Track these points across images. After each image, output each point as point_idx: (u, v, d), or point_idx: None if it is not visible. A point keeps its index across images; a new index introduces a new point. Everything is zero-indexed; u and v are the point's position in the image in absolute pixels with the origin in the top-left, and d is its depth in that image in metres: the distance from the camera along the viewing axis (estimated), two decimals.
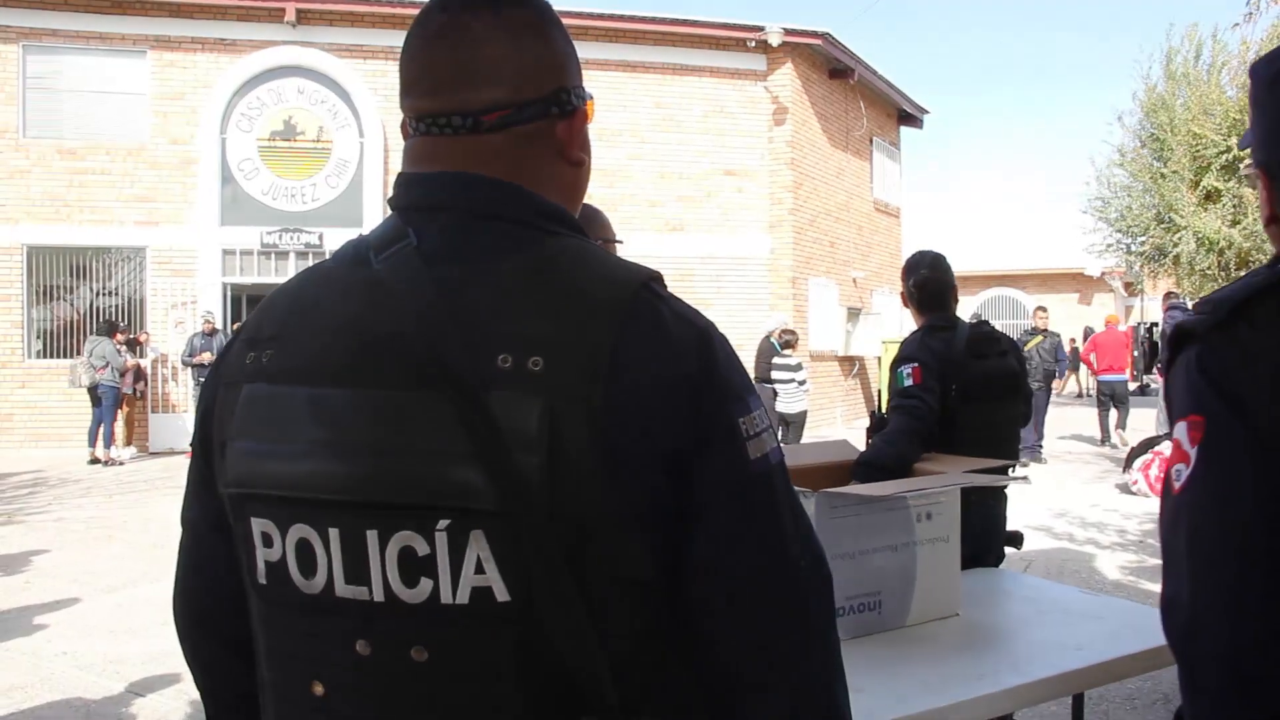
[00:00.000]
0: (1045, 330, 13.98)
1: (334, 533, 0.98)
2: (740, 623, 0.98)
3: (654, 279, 1.04)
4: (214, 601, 1.15)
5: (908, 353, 3.58)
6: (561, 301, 0.98)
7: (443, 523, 0.94)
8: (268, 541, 1.02)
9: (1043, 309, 14.53)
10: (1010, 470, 3.36)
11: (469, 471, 0.93)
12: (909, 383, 3.45)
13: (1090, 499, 10.22)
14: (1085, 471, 12.46)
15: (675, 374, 0.97)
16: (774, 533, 1.00)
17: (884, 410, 3.62)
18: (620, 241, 3.28)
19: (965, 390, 3.49)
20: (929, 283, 3.78)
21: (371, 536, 0.96)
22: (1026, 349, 12.56)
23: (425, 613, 0.95)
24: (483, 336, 0.96)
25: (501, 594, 0.94)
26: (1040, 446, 13.18)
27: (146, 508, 10.19)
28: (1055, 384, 16.36)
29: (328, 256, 1.15)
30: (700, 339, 1.01)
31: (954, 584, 2.77)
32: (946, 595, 2.75)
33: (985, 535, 3.39)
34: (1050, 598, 2.98)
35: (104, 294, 15.91)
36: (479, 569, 0.94)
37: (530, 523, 0.92)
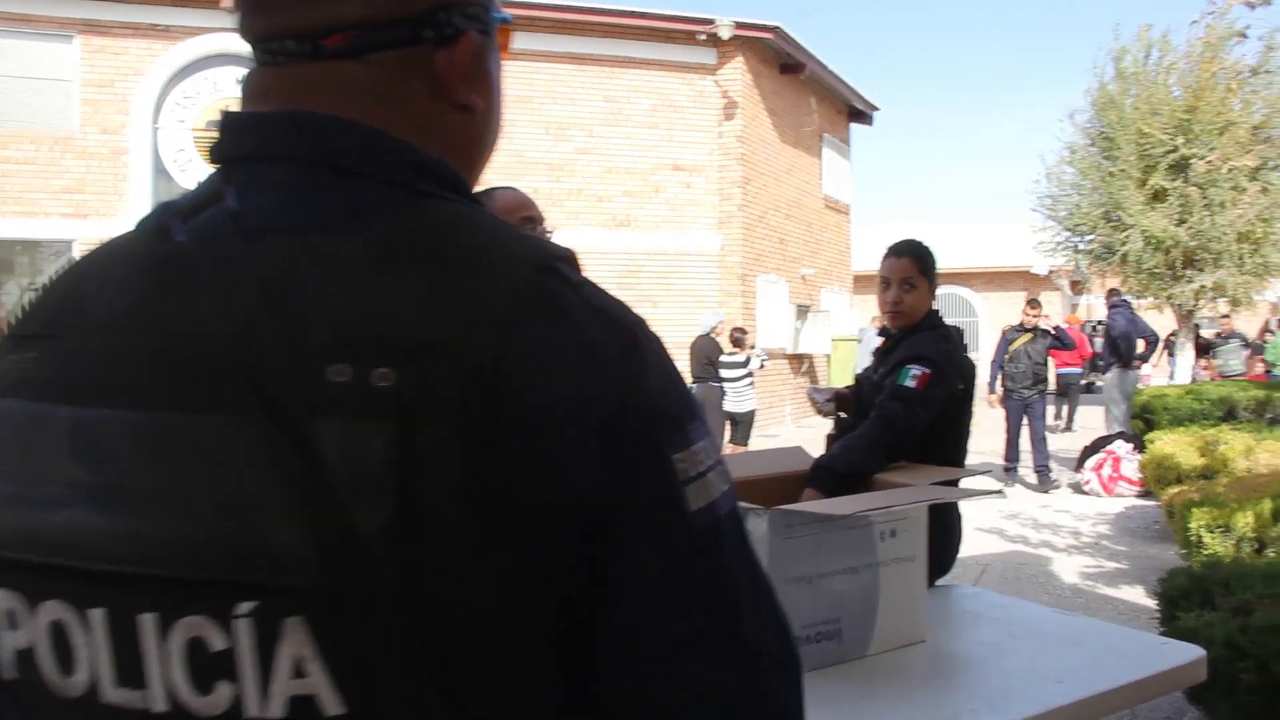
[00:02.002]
0: (1036, 329, 11.41)
1: (97, 614, 0.67)
2: None
3: (562, 259, 0.75)
4: None
5: (924, 352, 3.10)
6: (430, 290, 0.69)
7: (245, 605, 0.64)
8: (13, 622, 0.71)
9: (1035, 303, 11.80)
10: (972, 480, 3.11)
11: (284, 533, 0.64)
12: (911, 384, 3.01)
13: (1042, 500, 10.10)
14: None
15: (587, 392, 0.69)
16: (725, 612, 0.72)
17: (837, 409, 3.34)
18: (550, 230, 3.00)
19: (968, 389, 3.24)
20: None
21: (148, 622, 0.66)
22: (1012, 349, 11.23)
23: None
24: (313, 339, 0.67)
25: (332, 705, 0.64)
26: (1049, 469, 11.03)
27: None
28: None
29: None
30: (625, 343, 0.72)
31: (920, 607, 2.52)
32: (912, 620, 2.49)
33: (940, 548, 3.12)
34: (1021, 620, 2.73)
35: (29, 290, 15.31)
36: (298, 670, 0.64)
37: (372, 605, 0.64)
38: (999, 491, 2.60)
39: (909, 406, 2.96)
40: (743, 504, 2.41)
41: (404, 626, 0.64)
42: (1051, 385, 12.85)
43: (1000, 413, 11.51)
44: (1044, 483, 10.80)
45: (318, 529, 0.64)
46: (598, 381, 0.69)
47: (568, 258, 0.76)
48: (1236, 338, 15.99)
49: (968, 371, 3.23)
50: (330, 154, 0.77)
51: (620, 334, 0.73)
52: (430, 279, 0.69)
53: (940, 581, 3.23)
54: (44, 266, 15.23)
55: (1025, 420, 11.11)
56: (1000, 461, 11.24)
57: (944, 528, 3.08)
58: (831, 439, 3.24)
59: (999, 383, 11.39)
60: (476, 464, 0.65)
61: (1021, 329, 11.34)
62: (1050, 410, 14.45)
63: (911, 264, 3.29)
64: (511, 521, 0.66)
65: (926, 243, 3.40)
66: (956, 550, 3.26)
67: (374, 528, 0.63)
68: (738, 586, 0.73)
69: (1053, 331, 11.57)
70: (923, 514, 2.46)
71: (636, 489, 0.70)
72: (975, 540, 7.65)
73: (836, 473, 2.78)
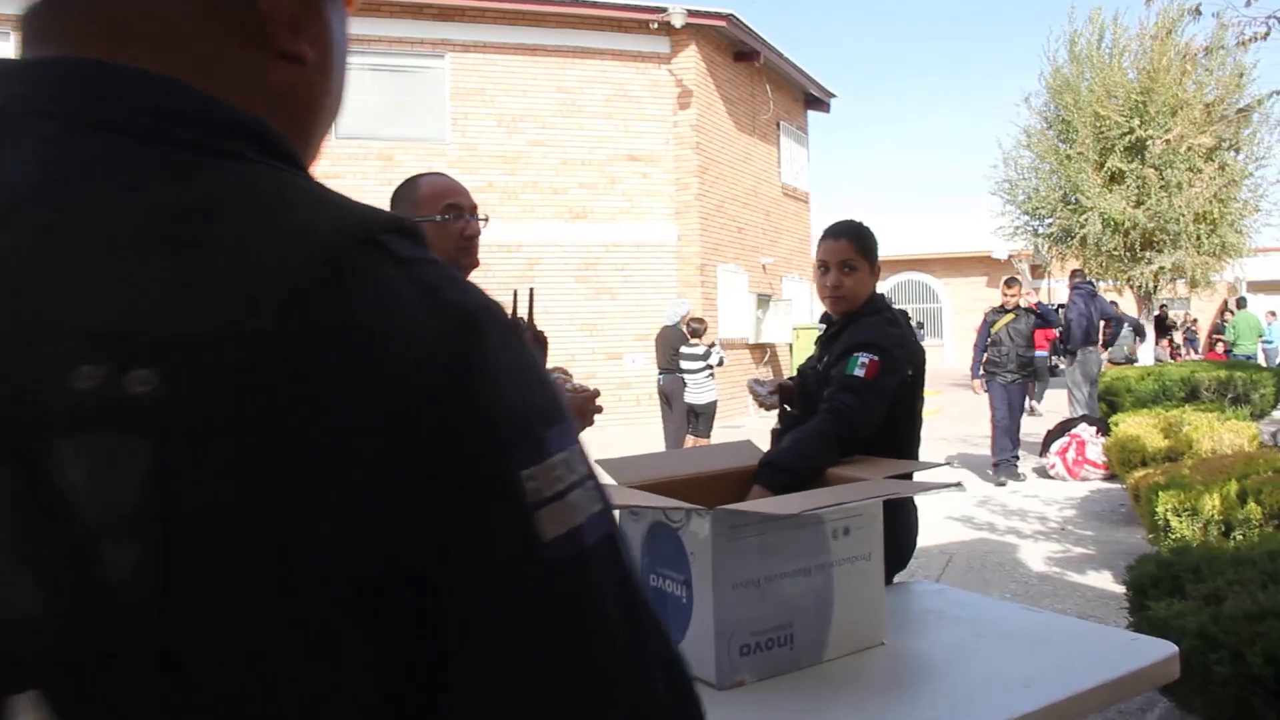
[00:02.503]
0: (1018, 308, 10.56)
1: None
2: None
3: (394, 231, 0.57)
4: None
5: (871, 338, 2.89)
6: (207, 271, 0.52)
7: None
8: None
9: (1012, 281, 10.88)
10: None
11: (10, 586, 0.48)
12: (860, 373, 2.80)
13: (1008, 485, 10.00)
14: None
15: (402, 392, 0.52)
16: (595, 665, 0.55)
17: (794, 402, 3.15)
18: (483, 219, 2.82)
19: (918, 375, 3.01)
20: None
21: None
22: (994, 330, 10.42)
23: None
24: (57, 338, 0.50)
25: None
26: (1016, 458, 10.40)
27: None
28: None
29: None
30: (457, 331, 0.55)
31: (878, 608, 2.35)
32: (869, 622, 2.33)
33: (897, 542, 2.94)
34: (986, 619, 2.57)
35: None
36: None
37: (124, 670, 0.48)
38: (958, 484, 2.39)
39: (860, 397, 2.76)
40: (684, 504, 2.25)
41: (169, 695, 0.48)
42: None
43: (981, 400, 10.85)
44: (1005, 473, 10.24)
45: (54, 576, 0.48)
46: (417, 378, 0.53)
47: (405, 230, 0.58)
48: (1127, 321, 15.72)
49: (917, 357, 3.03)
50: (109, 109, 0.59)
51: (453, 319, 0.55)
52: (209, 258, 0.52)
53: (899, 577, 3.07)
54: None
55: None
56: (973, 451, 11.05)
57: (900, 521, 2.92)
58: (777, 434, 3.04)
59: (982, 368, 10.63)
60: (254, 486, 0.48)
61: (1002, 310, 10.65)
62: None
63: (850, 245, 3.10)
64: (310, 557, 0.49)
65: (867, 224, 3.22)
66: (914, 544, 3.09)
67: (124, 571, 0.47)
68: (609, 633, 0.56)
69: (1035, 309, 10.79)
70: (878, 509, 2.30)
71: (472, 514, 0.53)
72: (940, 529, 7.53)
73: (786, 469, 2.61)
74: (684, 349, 11.19)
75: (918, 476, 2.75)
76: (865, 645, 2.31)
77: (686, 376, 11.17)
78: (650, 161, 17.32)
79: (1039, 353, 14.42)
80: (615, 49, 17.13)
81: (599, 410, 2.81)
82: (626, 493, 2.29)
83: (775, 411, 3.29)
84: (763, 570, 2.16)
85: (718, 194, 18.21)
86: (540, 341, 2.71)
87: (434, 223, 2.57)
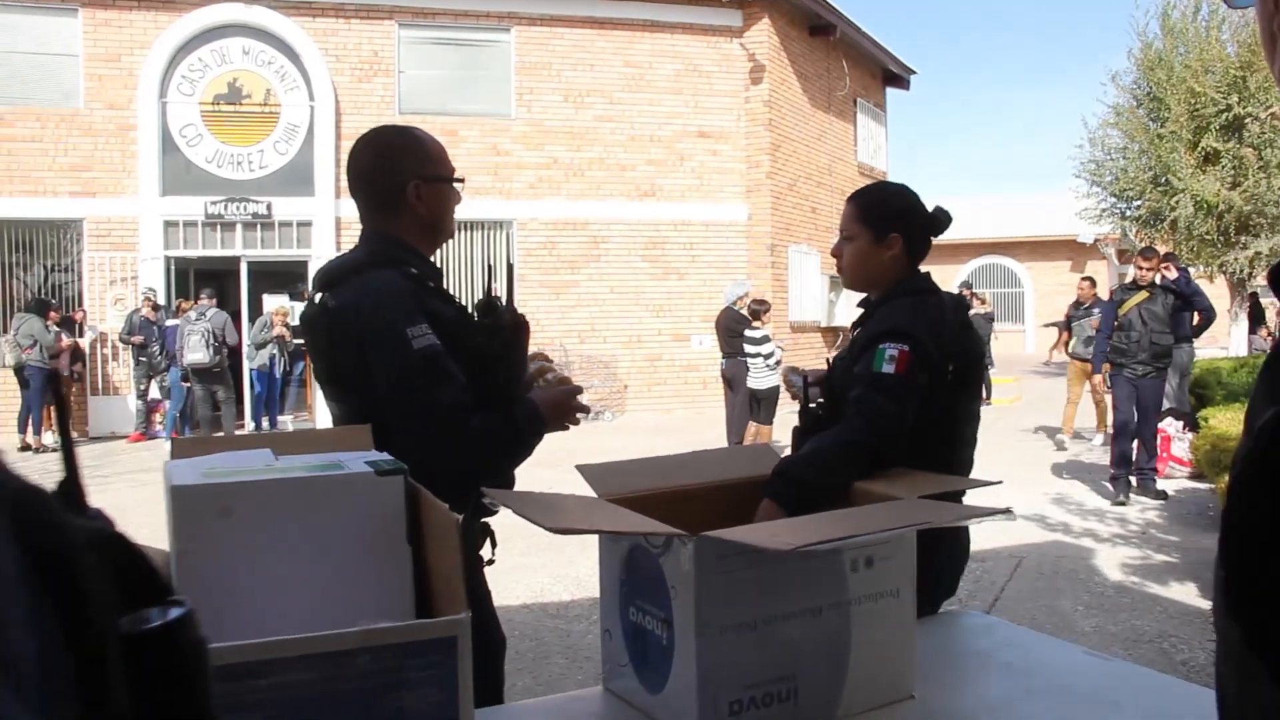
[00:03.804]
0: (1153, 284, 8.75)
1: None
2: None
3: None
4: None
5: (900, 324, 2.43)
6: None
7: None
8: None
9: (1149, 252, 9.12)
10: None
11: None
12: (888, 368, 2.35)
13: (1090, 480, 9.37)
14: (1084, 449, 11.49)
15: None
16: None
17: (817, 396, 2.69)
18: (460, 180, 2.45)
19: (958, 371, 2.48)
20: (942, 228, 2.72)
21: None
22: (1122, 313, 8.65)
23: None
24: None
25: None
26: (1129, 477, 8.62)
27: None
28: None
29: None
30: None
31: (906, 655, 1.93)
32: (895, 672, 1.91)
33: (940, 567, 2.48)
34: (1044, 666, 2.13)
35: (39, 269, 14.98)
36: None
37: None
38: (1007, 510, 1.88)
39: (893, 398, 2.32)
40: (661, 528, 1.85)
41: None
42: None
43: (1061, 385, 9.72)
44: (1123, 490, 8.51)
45: None
46: None
47: None
48: (1099, 308, 11.04)
49: (965, 349, 2.53)
50: None
51: None
52: None
53: (946, 605, 2.63)
54: (49, 246, 14.87)
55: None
56: (1044, 444, 10.28)
57: (946, 542, 2.48)
58: (798, 434, 2.58)
59: (1106, 359, 8.89)
60: None
61: (1134, 286, 8.73)
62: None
63: (849, 210, 2.69)
64: None
65: (897, 189, 2.78)
66: (962, 567, 2.63)
67: None
68: None
69: (1176, 287, 8.89)
70: (909, 540, 1.87)
71: None
72: (1009, 528, 7.03)
73: (800, 482, 2.18)
74: (748, 332, 10.74)
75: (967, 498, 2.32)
76: (889, 700, 1.89)
77: (749, 360, 10.72)
78: (721, 138, 16.82)
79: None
80: (685, 22, 16.64)
81: (583, 410, 2.42)
82: (597, 511, 1.89)
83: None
84: (760, 610, 1.75)
85: (790, 172, 17.66)
86: (519, 326, 2.33)
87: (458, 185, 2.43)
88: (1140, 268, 8.72)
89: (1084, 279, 10.63)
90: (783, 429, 12.50)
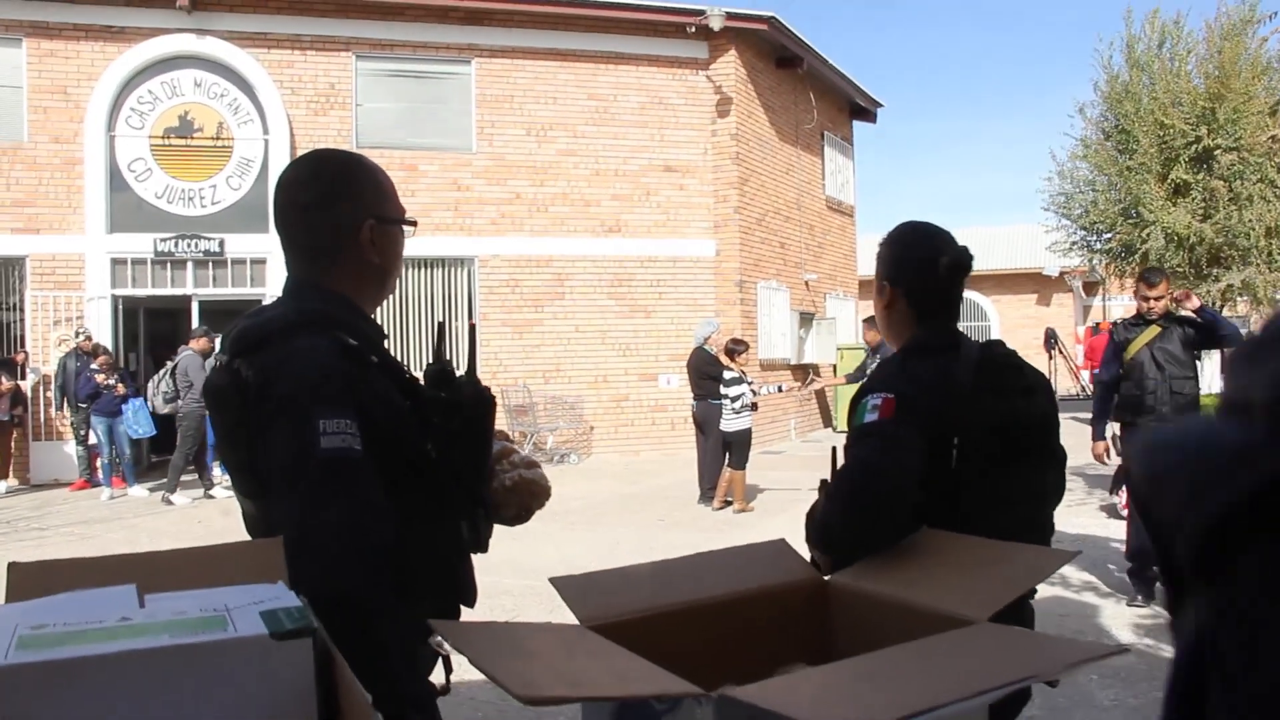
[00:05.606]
0: (1167, 315, 6.65)
1: None
2: None
3: None
4: None
5: (880, 379, 2.18)
6: None
7: None
8: None
9: (1158, 273, 6.76)
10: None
11: None
12: (872, 416, 2.07)
13: (1076, 526, 8.96)
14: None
15: None
16: None
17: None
18: (412, 224, 2.02)
19: (974, 444, 2.09)
20: (951, 277, 2.30)
21: None
22: (1129, 356, 6.59)
23: None
24: None
25: None
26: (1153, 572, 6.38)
27: (4, 549, 8.77)
28: None
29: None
30: None
31: None
32: None
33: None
34: None
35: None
36: None
37: None
38: (1124, 649, 1.44)
39: (872, 446, 2.04)
40: (674, 687, 1.42)
41: None
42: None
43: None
44: (1141, 588, 6.44)
45: None
46: None
47: None
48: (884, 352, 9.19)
49: (984, 418, 2.12)
50: None
51: None
52: None
53: None
54: (1, 284, 14.26)
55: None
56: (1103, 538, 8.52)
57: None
58: (824, 487, 2.20)
59: (1109, 420, 6.89)
60: None
61: (1140, 321, 6.67)
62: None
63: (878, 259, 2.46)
64: None
65: (898, 233, 2.41)
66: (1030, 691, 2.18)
67: None
68: None
69: (1194, 316, 6.52)
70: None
71: None
72: None
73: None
74: (726, 375, 10.32)
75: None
76: None
77: (723, 403, 10.31)
78: (687, 172, 16.48)
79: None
80: (650, 54, 16.32)
81: (545, 499, 2.01)
82: (580, 656, 1.44)
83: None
84: None
85: (758, 207, 17.34)
86: (481, 400, 1.89)
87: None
88: (1146, 298, 6.60)
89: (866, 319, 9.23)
90: (756, 473, 12.11)
